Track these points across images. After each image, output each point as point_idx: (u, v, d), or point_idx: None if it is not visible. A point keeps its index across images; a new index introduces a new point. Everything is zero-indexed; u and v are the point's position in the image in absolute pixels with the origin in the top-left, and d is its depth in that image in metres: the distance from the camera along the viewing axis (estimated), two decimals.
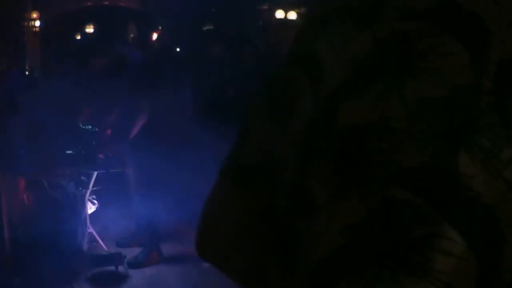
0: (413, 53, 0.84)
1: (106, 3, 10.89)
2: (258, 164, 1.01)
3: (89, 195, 4.67)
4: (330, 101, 0.89)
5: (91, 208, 4.75)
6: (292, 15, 10.07)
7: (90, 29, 10.93)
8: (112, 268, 4.31)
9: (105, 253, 4.54)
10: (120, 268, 4.33)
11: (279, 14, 10.19)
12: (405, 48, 0.84)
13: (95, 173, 4.54)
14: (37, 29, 10.15)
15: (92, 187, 4.60)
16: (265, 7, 10.49)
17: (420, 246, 0.77)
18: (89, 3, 10.79)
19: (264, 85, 1.02)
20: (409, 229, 0.77)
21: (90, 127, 4.69)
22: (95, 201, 4.83)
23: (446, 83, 0.81)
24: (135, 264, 4.49)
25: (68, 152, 4.41)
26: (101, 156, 4.46)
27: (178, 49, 8.04)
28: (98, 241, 4.71)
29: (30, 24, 9.97)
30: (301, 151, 0.93)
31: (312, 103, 0.92)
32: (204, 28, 9.61)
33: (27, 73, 8.00)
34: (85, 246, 4.56)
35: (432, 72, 0.82)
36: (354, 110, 0.87)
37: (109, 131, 4.77)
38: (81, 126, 4.72)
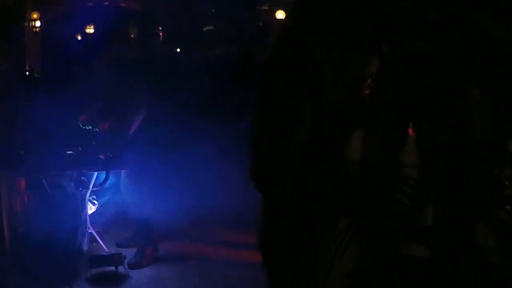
0: (430, 90, 0.76)
1: (106, 3, 10.88)
2: (269, 173, 1.00)
3: (89, 195, 4.67)
4: (333, 124, 0.83)
5: (91, 208, 4.75)
6: None
7: (90, 29, 10.93)
8: (112, 268, 4.31)
9: (105, 254, 4.54)
10: (120, 269, 4.33)
11: (279, 14, 10.19)
12: (420, 81, 0.75)
13: (95, 174, 4.54)
14: (37, 29, 10.15)
15: (92, 187, 4.60)
16: (265, 7, 10.49)
17: None
18: (89, 3, 10.78)
19: (263, 89, 0.99)
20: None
21: (90, 127, 4.68)
22: (95, 201, 4.83)
23: (465, 135, 0.74)
24: (134, 264, 4.50)
25: (68, 152, 4.40)
26: (101, 156, 4.46)
27: (178, 50, 8.04)
28: (98, 241, 4.71)
29: (30, 24, 9.96)
30: (299, 173, 0.91)
31: (312, 122, 0.88)
32: (204, 29, 9.62)
33: (27, 73, 8.00)
34: (85, 246, 4.56)
35: (452, 120, 0.74)
36: (364, 145, 0.81)
37: (108, 131, 4.76)
38: (81, 126, 4.72)
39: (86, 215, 4.60)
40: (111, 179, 4.78)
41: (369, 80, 0.80)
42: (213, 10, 9.94)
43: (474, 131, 0.73)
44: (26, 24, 9.76)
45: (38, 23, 10.09)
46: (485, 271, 0.74)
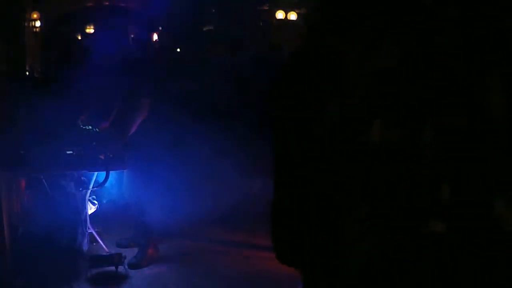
0: (448, 79, 0.79)
1: (106, 3, 10.88)
2: (291, 159, 1.02)
3: (89, 195, 4.67)
4: (356, 112, 0.86)
5: (91, 208, 4.75)
6: (293, 16, 10.07)
7: (90, 29, 10.93)
8: (112, 268, 4.31)
9: (105, 254, 4.55)
10: (120, 269, 4.34)
11: (279, 14, 10.19)
12: (439, 72, 0.79)
13: (95, 174, 4.54)
14: (37, 29, 10.15)
15: (92, 187, 4.60)
16: (265, 7, 10.49)
17: None
18: (89, 3, 10.79)
19: (284, 88, 1.01)
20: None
21: (90, 127, 4.68)
22: (95, 201, 4.83)
23: (481, 119, 0.77)
24: (134, 264, 4.50)
25: (68, 152, 4.40)
26: (101, 156, 4.46)
27: (178, 50, 8.04)
28: (98, 241, 4.71)
29: (30, 24, 9.96)
30: (322, 158, 0.93)
31: (336, 110, 0.90)
32: (205, 29, 9.62)
33: (27, 73, 8.00)
34: (85, 246, 4.56)
35: (469, 105, 0.77)
36: (384, 128, 0.83)
37: (109, 131, 4.76)
38: (81, 126, 4.72)
39: (86, 215, 4.60)
40: (115, 177, 4.78)
41: (391, 70, 0.83)
42: (213, 10, 9.94)
43: (490, 115, 0.76)
44: (26, 24, 9.75)
45: (38, 23, 10.09)
46: (503, 243, 0.77)
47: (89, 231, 4.63)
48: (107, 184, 4.64)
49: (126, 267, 4.42)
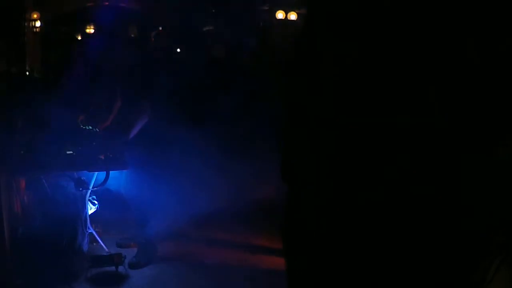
0: (410, 79, 0.85)
1: (106, 3, 10.88)
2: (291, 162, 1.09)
3: (89, 195, 4.67)
4: (327, 102, 0.92)
5: (91, 208, 4.75)
6: (292, 16, 10.07)
7: (90, 29, 10.92)
8: (112, 268, 4.31)
9: (105, 254, 4.55)
10: (120, 269, 4.34)
11: (279, 14, 10.20)
12: (402, 73, 0.84)
13: (95, 174, 4.54)
14: (37, 29, 10.14)
15: (92, 187, 4.60)
16: (265, 7, 10.49)
17: None
18: (89, 3, 10.78)
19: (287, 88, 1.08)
20: None
21: (90, 127, 4.68)
22: (95, 201, 4.83)
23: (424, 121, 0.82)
24: (134, 264, 4.50)
25: (68, 152, 4.40)
26: (101, 156, 4.45)
27: (178, 50, 8.04)
28: (98, 241, 4.71)
29: (30, 24, 9.96)
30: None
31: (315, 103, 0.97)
32: (204, 29, 9.62)
33: (27, 73, 8.01)
34: (85, 246, 4.56)
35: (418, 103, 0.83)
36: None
37: (109, 132, 4.76)
38: (81, 126, 4.71)
39: (86, 215, 4.60)
40: (115, 178, 4.77)
41: (358, 71, 0.87)
42: (213, 10, 9.94)
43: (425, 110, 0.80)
44: (26, 24, 9.74)
45: (38, 23, 10.09)
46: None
47: (89, 231, 4.63)
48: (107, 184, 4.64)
49: (126, 267, 4.42)
